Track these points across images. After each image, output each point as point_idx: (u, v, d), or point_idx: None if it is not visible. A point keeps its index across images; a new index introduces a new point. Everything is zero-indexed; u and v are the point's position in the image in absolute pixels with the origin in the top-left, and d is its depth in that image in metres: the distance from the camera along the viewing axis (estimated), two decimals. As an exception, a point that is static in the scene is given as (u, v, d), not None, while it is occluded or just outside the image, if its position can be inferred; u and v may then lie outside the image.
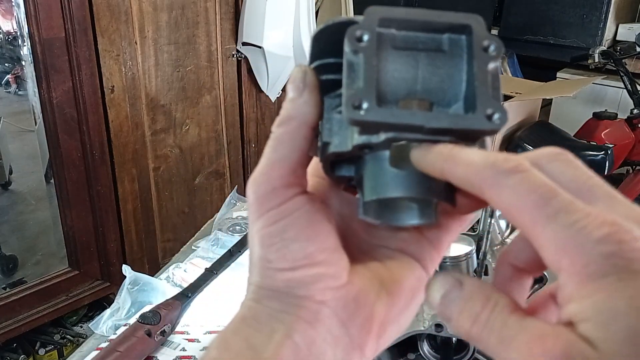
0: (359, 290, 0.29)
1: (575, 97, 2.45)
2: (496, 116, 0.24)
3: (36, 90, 1.92)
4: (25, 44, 1.90)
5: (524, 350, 0.21)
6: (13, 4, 1.85)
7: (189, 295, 0.93)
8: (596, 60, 2.36)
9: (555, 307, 0.26)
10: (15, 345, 2.09)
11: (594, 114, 2.40)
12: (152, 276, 1.10)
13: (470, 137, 0.26)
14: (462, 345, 0.94)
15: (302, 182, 0.30)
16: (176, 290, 0.98)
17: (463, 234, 1.51)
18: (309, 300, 0.28)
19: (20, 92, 2.08)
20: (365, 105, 0.24)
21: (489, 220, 0.96)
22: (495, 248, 1.02)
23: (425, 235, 0.32)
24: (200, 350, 0.85)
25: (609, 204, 0.23)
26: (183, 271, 1.13)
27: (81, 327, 2.28)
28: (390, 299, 0.30)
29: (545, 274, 1.33)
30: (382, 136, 0.26)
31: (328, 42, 0.29)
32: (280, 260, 0.28)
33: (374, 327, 0.29)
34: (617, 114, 2.37)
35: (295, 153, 0.29)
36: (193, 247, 1.25)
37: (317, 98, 0.29)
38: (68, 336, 2.21)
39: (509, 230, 1.08)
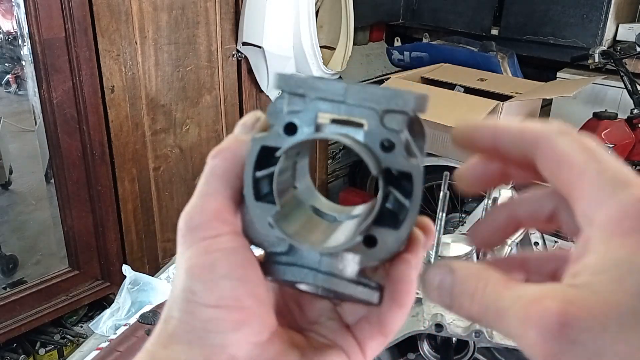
0: (276, 354, 0.27)
1: (575, 97, 2.44)
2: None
3: (36, 90, 1.93)
4: (25, 44, 1.90)
5: (522, 315, 0.21)
6: (13, 4, 1.85)
7: (189, 295, 0.93)
8: (596, 60, 2.36)
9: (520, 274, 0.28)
10: (15, 345, 2.09)
11: (594, 114, 2.40)
12: (152, 276, 1.10)
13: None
14: (462, 345, 0.94)
15: (235, 222, 0.28)
16: (176, 290, 0.97)
17: (463, 233, 1.50)
18: (221, 353, 0.26)
19: (20, 92, 2.08)
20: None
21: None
22: (495, 247, 1.02)
23: (354, 334, 0.31)
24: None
25: None
26: (183, 271, 1.12)
27: (81, 327, 2.28)
28: None
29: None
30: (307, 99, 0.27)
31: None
32: (206, 293, 0.26)
33: None
34: (617, 114, 2.36)
35: (228, 189, 0.27)
36: (193, 247, 1.24)
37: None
38: (68, 336, 2.21)
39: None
